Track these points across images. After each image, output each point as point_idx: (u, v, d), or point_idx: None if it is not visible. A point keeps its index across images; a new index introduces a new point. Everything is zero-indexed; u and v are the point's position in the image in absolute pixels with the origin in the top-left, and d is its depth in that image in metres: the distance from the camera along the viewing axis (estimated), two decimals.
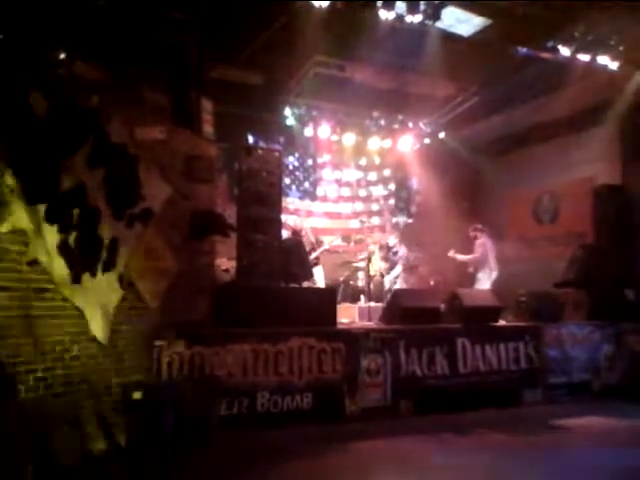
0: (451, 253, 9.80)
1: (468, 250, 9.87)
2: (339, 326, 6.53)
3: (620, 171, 9.60)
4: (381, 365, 6.14)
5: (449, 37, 8.10)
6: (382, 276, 10.06)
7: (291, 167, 12.21)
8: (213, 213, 6.31)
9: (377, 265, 10.05)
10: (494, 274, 9.61)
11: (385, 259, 10.25)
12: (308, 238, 9.72)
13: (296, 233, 9.27)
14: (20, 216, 4.29)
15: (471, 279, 9.89)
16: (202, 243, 6.05)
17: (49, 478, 3.99)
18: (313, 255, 9.54)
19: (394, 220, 12.39)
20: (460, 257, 9.82)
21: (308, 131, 11.58)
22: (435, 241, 10.63)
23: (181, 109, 6.25)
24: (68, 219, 4.65)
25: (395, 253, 10.33)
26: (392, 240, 10.64)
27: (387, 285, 10.08)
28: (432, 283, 10.85)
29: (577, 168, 10.14)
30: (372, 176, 13.37)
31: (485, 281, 9.72)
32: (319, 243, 10.08)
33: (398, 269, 10.17)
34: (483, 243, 9.80)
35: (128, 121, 5.30)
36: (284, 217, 7.51)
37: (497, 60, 8.85)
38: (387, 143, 12.63)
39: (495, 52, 8.58)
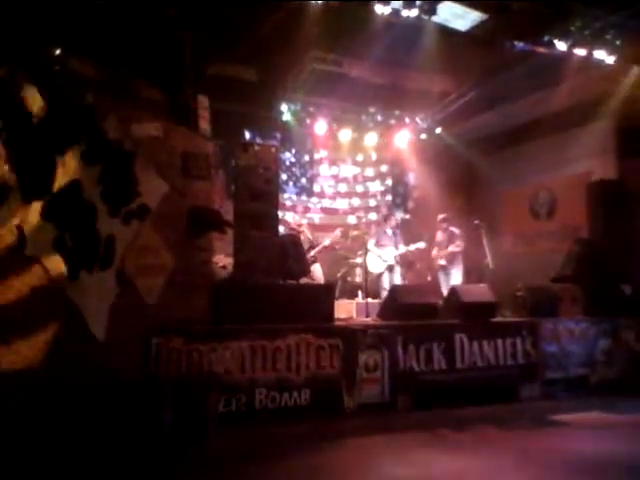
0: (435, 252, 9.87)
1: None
2: (337, 322, 6.53)
3: (616, 166, 9.62)
4: (379, 361, 6.14)
5: (445, 32, 8.09)
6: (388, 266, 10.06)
7: (288, 163, 12.18)
8: (210, 210, 6.29)
9: (377, 255, 10.06)
10: (461, 267, 9.69)
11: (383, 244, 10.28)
12: (306, 235, 9.72)
13: (294, 230, 9.27)
14: (17, 212, 4.28)
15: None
16: (199, 240, 6.04)
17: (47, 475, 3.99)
18: (311, 253, 9.54)
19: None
20: (449, 250, 9.86)
21: (305, 127, 11.58)
22: (432, 237, 10.64)
23: (177, 106, 6.23)
24: (64, 216, 4.64)
25: (395, 234, 10.37)
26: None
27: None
28: (429, 279, 10.87)
29: (573, 163, 10.17)
30: (369, 172, 13.35)
31: (457, 276, 9.76)
32: (317, 241, 10.07)
33: (401, 248, 10.19)
34: (460, 235, 9.87)
35: (124, 118, 5.28)
36: (281, 213, 7.50)
37: (494, 55, 8.84)
38: (384, 139, 12.64)
39: (492, 47, 8.57)
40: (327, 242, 10.09)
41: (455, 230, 10.05)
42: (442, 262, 9.97)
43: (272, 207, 6.86)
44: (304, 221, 11.10)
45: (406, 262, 10.46)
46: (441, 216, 10.37)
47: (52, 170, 4.60)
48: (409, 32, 7.97)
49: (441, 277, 9.98)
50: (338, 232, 10.40)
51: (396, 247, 10.25)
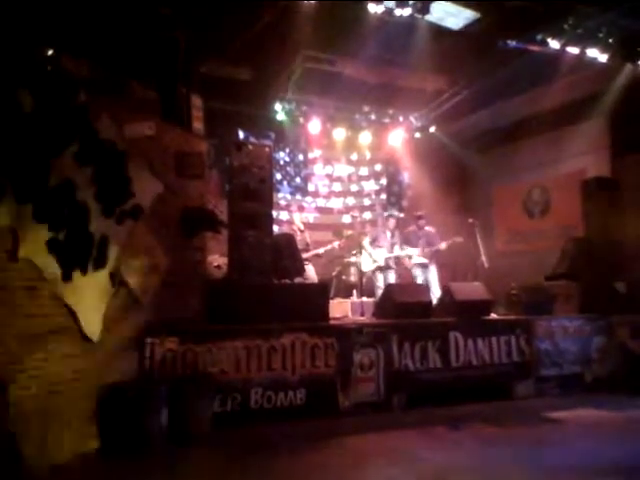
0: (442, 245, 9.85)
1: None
2: (332, 321, 6.54)
3: (610, 163, 9.64)
4: (374, 360, 6.15)
5: (438, 30, 8.09)
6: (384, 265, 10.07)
7: (282, 162, 12.16)
8: (204, 209, 6.29)
9: (377, 254, 10.08)
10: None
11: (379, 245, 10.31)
12: (304, 239, 9.65)
13: (296, 232, 9.26)
14: (10, 214, 4.27)
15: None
16: (193, 239, 6.03)
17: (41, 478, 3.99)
18: (304, 255, 9.48)
19: (385, 214, 12.38)
20: (440, 247, 9.87)
21: (298, 126, 11.56)
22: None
23: (170, 105, 6.21)
24: (58, 217, 4.63)
25: (393, 235, 10.41)
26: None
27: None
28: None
29: (567, 161, 10.20)
30: (363, 171, 13.35)
31: (434, 271, 9.82)
32: (313, 246, 10.02)
33: (396, 250, 10.24)
34: (437, 234, 9.94)
35: (117, 117, 5.26)
36: (276, 213, 7.45)
37: (487, 53, 8.85)
38: (378, 137, 12.64)
39: (485, 45, 8.58)
40: (321, 251, 10.03)
41: (431, 230, 10.09)
42: (425, 260, 9.96)
43: (266, 206, 6.85)
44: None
45: (399, 263, 10.44)
46: (418, 213, 10.41)
47: (46, 171, 4.57)
48: (402, 31, 7.97)
49: (419, 273, 9.98)
50: (336, 245, 10.36)
51: (391, 249, 10.26)
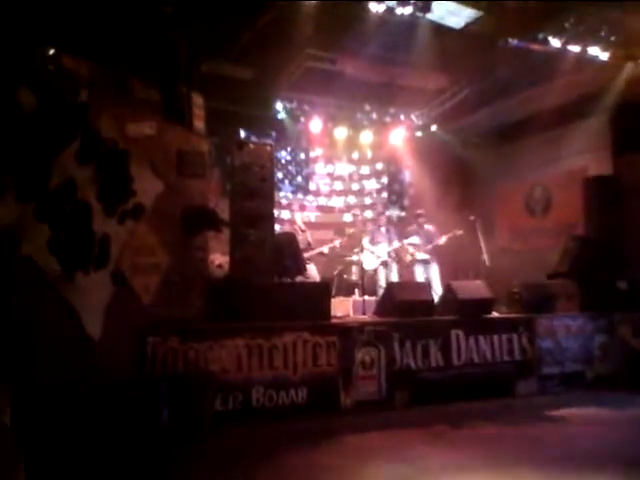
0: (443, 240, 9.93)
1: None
2: (333, 320, 6.53)
3: (611, 162, 9.64)
4: (375, 358, 6.15)
5: (440, 29, 8.09)
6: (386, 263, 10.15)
7: (283, 161, 12.20)
8: (205, 208, 6.28)
9: (379, 251, 10.16)
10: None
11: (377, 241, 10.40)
12: (306, 238, 9.68)
13: (298, 231, 9.30)
14: (11, 213, 4.27)
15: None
16: (195, 239, 6.03)
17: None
18: (306, 255, 9.51)
19: (387, 213, 12.41)
20: (439, 243, 9.97)
21: (300, 125, 11.58)
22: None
23: (172, 104, 6.22)
24: (59, 216, 4.63)
25: (389, 230, 10.52)
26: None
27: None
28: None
29: (568, 159, 10.21)
30: (364, 170, 13.38)
31: (436, 269, 9.90)
32: (315, 245, 10.06)
33: (395, 244, 10.32)
34: (437, 232, 10.01)
35: (118, 116, 5.26)
36: (277, 212, 7.46)
37: (488, 52, 8.85)
38: (379, 136, 12.65)
39: (486, 44, 8.58)
40: (325, 249, 10.08)
41: (430, 228, 10.24)
42: (426, 257, 10.05)
43: (268, 205, 6.85)
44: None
45: (398, 257, 10.51)
46: (418, 211, 10.63)
47: (47, 169, 4.58)
48: (404, 30, 7.98)
49: (420, 270, 10.06)
50: (337, 243, 10.39)
51: (390, 243, 10.33)
